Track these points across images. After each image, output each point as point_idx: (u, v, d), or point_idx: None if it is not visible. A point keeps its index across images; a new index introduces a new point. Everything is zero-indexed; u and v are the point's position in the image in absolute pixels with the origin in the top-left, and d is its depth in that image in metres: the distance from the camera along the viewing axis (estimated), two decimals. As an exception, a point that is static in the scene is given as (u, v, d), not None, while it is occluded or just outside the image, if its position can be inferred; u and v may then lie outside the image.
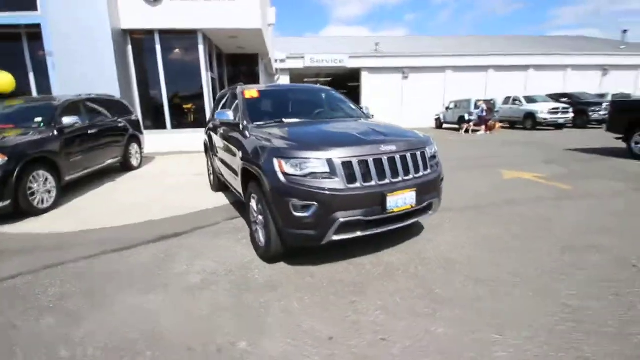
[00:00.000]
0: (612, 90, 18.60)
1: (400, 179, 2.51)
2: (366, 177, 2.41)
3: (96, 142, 6.04)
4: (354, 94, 23.50)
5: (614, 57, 20.82)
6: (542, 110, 14.69)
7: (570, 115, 14.57)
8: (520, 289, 2.28)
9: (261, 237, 2.83)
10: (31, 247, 3.35)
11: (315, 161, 2.37)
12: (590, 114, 14.90)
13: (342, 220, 2.35)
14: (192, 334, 1.94)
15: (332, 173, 2.36)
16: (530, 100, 15.84)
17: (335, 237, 2.41)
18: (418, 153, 2.69)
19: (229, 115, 3.46)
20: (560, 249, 2.86)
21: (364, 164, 2.41)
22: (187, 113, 10.62)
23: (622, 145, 7.50)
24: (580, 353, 1.68)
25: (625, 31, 22.64)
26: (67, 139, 5.10)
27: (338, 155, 2.39)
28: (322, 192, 2.31)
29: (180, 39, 9.67)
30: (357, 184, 2.37)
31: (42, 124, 4.92)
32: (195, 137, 10.24)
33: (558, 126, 14.91)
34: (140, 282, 2.58)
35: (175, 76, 10.14)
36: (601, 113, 14.75)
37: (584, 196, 4.42)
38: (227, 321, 2.05)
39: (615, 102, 7.72)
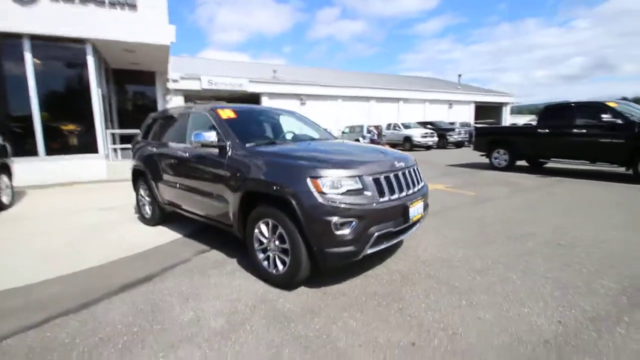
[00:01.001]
0: (456, 119, 24.23)
1: (411, 191, 2.81)
2: (390, 191, 2.61)
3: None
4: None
5: (455, 95, 27.30)
6: (417, 134, 17.95)
7: (436, 138, 18.24)
8: (511, 272, 2.84)
9: (279, 263, 2.66)
10: None
11: (350, 179, 2.44)
12: (448, 137, 18.99)
13: (376, 233, 2.47)
14: (272, 378, 1.70)
15: (365, 189, 2.47)
16: (406, 126, 19.12)
17: (369, 251, 2.50)
18: (415, 168, 3.07)
19: (209, 136, 3.14)
20: (507, 239, 3.65)
21: (387, 179, 2.61)
22: (68, 135, 8.68)
23: (484, 160, 9.88)
24: (582, 308, 2.25)
25: (460, 75, 30.28)
26: None
27: (367, 172, 2.52)
28: (360, 208, 2.39)
29: (61, 47, 8.00)
30: (386, 198, 2.55)
31: None
32: (82, 165, 8.48)
33: (427, 147, 18.40)
34: (147, 341, 2.06)
35: (52, 91, 8.25)
36: (455, 137, 19.02)
37: (488, 199, 5.67)
38: (300, 357, 1.87)
39: (478, 128, 10.20)
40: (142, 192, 4.67)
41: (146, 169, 4.34)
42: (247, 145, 3.08)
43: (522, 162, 9.41)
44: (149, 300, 2.56)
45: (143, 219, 4.72)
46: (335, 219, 2.33)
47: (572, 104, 7.64)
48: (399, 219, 2.62)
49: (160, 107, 12.22)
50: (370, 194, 2.48)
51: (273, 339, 2.04)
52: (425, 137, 17.97)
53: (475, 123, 23.86)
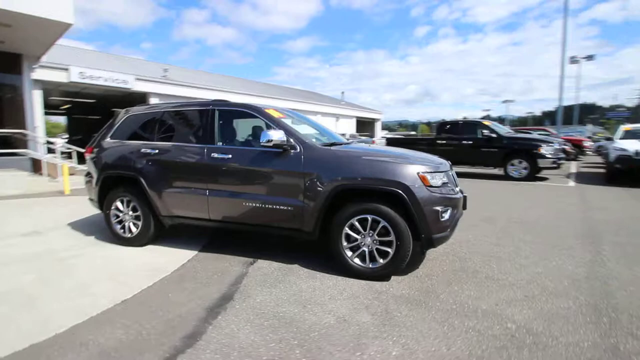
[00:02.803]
0: (342, 131, 27.09)
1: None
2: (456, 185, 3.17)
3: None
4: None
5: (341, 109, 30.49)
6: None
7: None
8: (516, 242, 3.81)
9: (377, 257, 2.82)
10: None
11: (441, 174, 2.87)
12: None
13: (458, 219, 2.98)
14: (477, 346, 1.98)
15: (449, 183, 2.95)
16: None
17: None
18: (450, 167, 3.73)
19: (278, 136, 2.99)
20: (484, 222, 4.74)
21: (452, 176, 3.16)
22: None
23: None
24: (577, 255, 3.32)
25: (343, 92, 34.18)
26: None
27: (445, 169, 3.01)
28: (452, 197, 2.86)
29: None
30: (457, 189, 3.09)
31: None
32: None
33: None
34: (325, 348, 1.96)
35: None
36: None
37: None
38: (469, 322, 2.19)
39: (389, 138, 12.02)
40: (119, 206, 3.76)
41: (140, 176, 3.56)
42: (319, 145, 3.11)
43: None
44: (263, 316, 2.32)
45: (121, 239, 3.80)
46: (440, 208, 2.73)
47: (460, 122, 10.09)
48: (461, 208, 3.20)
49: (29, 101, 9.33)
50: (451, 186, 2.97)
51: (433, 316, 2.27)
52: (326, 146, 19.58)
53: (359, 135, 27.34)
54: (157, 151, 3.55)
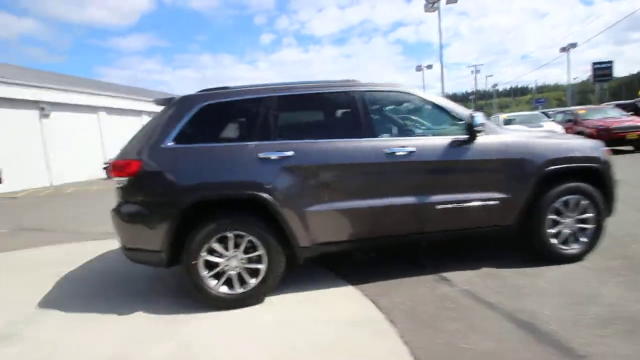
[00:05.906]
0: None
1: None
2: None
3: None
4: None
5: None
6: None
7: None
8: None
9: (580, 237, 2.77)
10: None
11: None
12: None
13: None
14: None
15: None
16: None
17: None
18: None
19: (480, 119, 2.54)
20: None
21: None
22: None
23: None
24: None
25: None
26: None
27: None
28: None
29: None
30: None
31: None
32: None
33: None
34: None
35: None
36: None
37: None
38: None
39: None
40: (217, 248, 2.35)
41: (267, 194, 2.30)
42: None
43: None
44: (598, 326, 1.94)
45: (223, 301, 2.39)
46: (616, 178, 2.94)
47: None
48: None
49: None
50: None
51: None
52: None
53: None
54: (291, 154, 2.38)
